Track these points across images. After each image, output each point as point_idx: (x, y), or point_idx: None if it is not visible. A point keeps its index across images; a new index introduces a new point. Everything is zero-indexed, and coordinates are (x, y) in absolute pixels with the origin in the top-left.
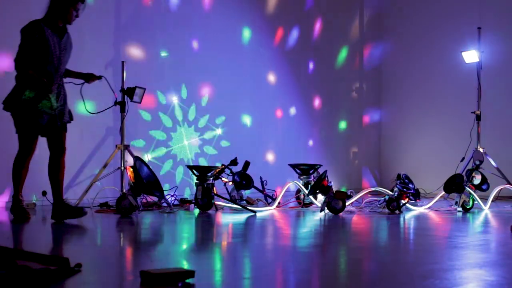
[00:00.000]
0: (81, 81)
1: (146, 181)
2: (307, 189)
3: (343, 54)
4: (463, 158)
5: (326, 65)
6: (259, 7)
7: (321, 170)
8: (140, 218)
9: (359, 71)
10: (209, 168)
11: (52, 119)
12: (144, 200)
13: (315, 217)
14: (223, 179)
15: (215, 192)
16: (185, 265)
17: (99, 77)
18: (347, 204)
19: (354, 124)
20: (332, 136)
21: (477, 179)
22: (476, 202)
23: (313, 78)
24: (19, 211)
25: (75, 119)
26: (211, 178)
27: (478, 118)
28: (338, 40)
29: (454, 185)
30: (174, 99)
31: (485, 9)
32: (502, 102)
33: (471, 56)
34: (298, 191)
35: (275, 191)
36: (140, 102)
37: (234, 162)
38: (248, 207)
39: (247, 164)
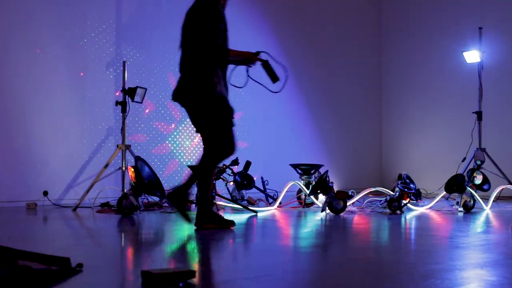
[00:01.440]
0: None
1: (147, 181)
2: (308, 189)
3: (344, 56)
4: (464, 158)
5: (327, 66)
6: (264, 10)
7: (322, 170)
8: (141, 218)
9: (360, 71)
10: None
11: None
12: (145, 200)
13: (316, 217)
14: (224, 179)
15: (216, 192)
16: (186, 265)
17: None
18: (348, 204)
19: (356, 124)
20: (334, 136)
21: (478, 179)
22: (477, 202)
23: (315, 78)
24: (221, 220)
25: (76, 119)
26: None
27: (479, 118)
28: (338, 42)
29: (455, 185)
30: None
31: (486, 9)
32: (503, 102)
33: (472, 56)
34: (299, 191)
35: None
36: (141, 102)
37: (235, 162)
38: (249, 207)
39: (248, 164)
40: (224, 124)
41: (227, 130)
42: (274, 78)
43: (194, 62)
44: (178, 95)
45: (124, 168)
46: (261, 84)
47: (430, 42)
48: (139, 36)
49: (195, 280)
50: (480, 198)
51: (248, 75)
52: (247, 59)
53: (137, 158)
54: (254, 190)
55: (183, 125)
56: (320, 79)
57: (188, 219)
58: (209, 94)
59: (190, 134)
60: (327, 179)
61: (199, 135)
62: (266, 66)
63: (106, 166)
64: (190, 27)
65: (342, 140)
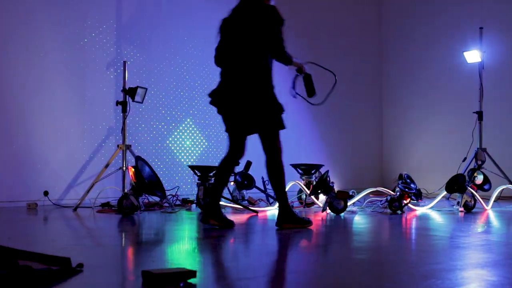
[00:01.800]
0: None
1: (147, 181)
2: (308, 189)
3: (346, 56)
4: (465, 158)
5: (328, 64)
6: None
7: (322, 170)
8: (142, 218)
9: (361, 72)
10: (211, 168)
11: None
12: (146, 200)
13: (317, 217)
14: None
15: None
16: (187, 265)
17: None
18: (349, 204)
19: (356, 124)
20: (334, 136)
21: (479, 179)
22: (478, 202)
23: (316, 78)
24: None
25: (76, 119)
26: (213, 178)
27: (480, 117)
28: (339, 42)
29: (456, 185)
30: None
31: (487, 9)
32: (504, 102)
33: (473, 56)
34: (300, 191)
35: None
36: (142, 102)
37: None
38: (249, 207)
39: (248, 164)
40: (282, 125)
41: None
42: (312, 92)
43: (256, 66)
44: (228, 99)
45: (124, 168)
46: (303, 97)
47: (430, 42)
48: (139, 36)
49: (196, 280)
50: (481, 198)
51: (293, 87)
52: (298, 68)
53: (138, 158)
54: (254, 190)
55: (183, 125)
56: (321, 78)
57: (307, 223)
58: (271, 97)
59: (190, 134)
60: (328, 179)
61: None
62: (308, 79)
63: (107, 166)
64: (249, 28)
65: (343, 140)
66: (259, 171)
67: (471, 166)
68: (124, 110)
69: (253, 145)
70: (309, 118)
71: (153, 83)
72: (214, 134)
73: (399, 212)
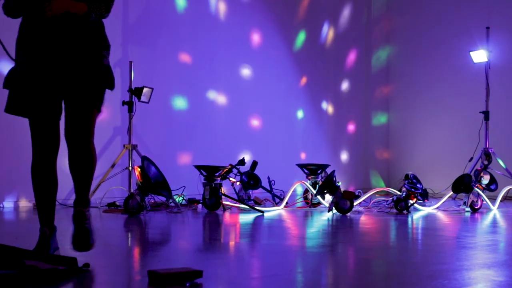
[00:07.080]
0: None
1: (153, 181)
2: (315, 189)
3: (350, 56)
4: (472, 158)
5: (333, 66)
6: (269, 9)
7: (329, 170)
8: (148, 218)
9: (367, 72)
10: (217, 168)
11: None
12: (152, 200)
13: (323, 217)
14: (230, 179)
15: (223, 192)
16: (193, 265)
17: None
18: (355, 204)
19: (362, 124)
20: (340, 136)
21: (485, 179)
22: (484, 202)
23: (320, 79)
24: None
25: None
26: (219, 178)
27: (486, 117)
28: (345, 42)
29: (463, 185)
30: None
31: (494, 9)
32: (511, 102)
33: (479, 55)
34: (306, 191)
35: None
36: (148, 102)
37: (241, 162)
38: (255, 207)
39: (254, 164)
40: None
41: None
42: None
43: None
44: None
45: (130, 168)
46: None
47: (437, 41)
48: (145, 36)
49: (202, 280)
50: (487, 198)
51: None
52: None
53: (144, 158)
54: (260, 190)
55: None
56: (326, 78)
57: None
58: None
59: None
60: (334, 179)
61: None
62: None
63: (113, 166)
64: None
65: (349, 140)
66: (264, 171)
67: (478, 166)
68: (130, 110)
69: (259, 145)
70: (315, 118)
71: (159, 83)
72: (219, 133)
73: (405, 212)
